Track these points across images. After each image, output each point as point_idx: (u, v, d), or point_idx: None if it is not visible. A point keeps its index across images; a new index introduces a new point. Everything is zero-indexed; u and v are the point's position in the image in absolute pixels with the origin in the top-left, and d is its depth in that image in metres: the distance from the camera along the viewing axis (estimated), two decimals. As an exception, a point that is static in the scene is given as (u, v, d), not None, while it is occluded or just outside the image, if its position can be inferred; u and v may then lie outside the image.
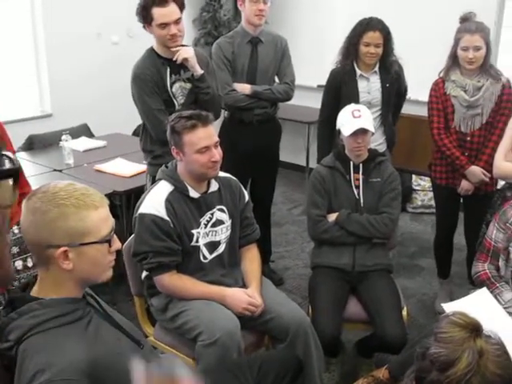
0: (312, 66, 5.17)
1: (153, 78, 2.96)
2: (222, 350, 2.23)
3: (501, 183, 3.27)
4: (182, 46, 2.96)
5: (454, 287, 3.70)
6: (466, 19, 3.17)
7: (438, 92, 3.23)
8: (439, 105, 3.23)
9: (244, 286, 2.52)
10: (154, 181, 2.70)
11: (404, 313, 2.75)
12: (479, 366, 1.13)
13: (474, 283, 2.65)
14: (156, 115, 2.96)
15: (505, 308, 2.30)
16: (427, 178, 4.96)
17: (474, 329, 1.18)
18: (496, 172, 2.95)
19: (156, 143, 3.02)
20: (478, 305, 2.27)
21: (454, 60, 3.16)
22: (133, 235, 2.47)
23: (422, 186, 5.10)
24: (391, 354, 2.65)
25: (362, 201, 2.89)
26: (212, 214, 2.48)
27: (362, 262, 2.83)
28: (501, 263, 2.52)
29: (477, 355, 1.13)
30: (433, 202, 4.96)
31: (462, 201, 3.46)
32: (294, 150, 5.71)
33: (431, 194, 5.01)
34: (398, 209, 2.95)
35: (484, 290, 2.36)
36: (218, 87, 3.22)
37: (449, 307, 2.25)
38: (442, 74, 3.24)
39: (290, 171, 5.84)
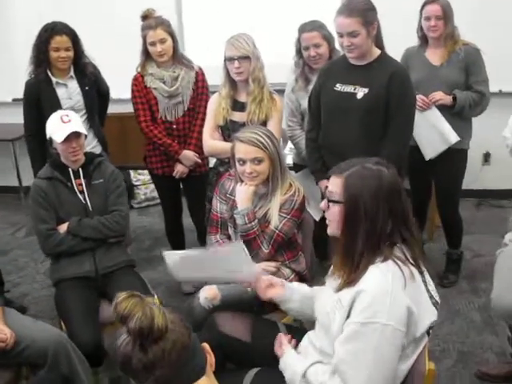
0: (3, 79, 4.90)
1: None
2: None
3: (212, 162, 3.56)
4: None
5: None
6: (146, 16, 3.33)
7: (139, 86, 3.36)
8: (142, 98, 3.36)
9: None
10: None
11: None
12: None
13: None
14: None
15: None
16: (146, 172, 5.11)
17: (136, 295, 1.23)
18: (207, 150, 3.21)
19: None
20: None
21: (147, 55, 3.31)
22: None
23: (142, 180, 5.23)
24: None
25: (89, 205, 2.86)
26: None
27: (104, 264, 2.82)
28: (230, 231, 2.77)
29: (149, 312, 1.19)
30: (155, 194, 5.16)
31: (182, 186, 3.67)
32: (1, 171, 5.34)
33: (152, 186, 5.17)
34: (127, 205, 3.00)
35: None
36: None
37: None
38: (139, 69, 3.37)
39: (3, 194, 5.46)
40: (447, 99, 3.36)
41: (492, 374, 2.80)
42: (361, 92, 2.80)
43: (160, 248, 4.40)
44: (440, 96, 3.36)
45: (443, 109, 3.39)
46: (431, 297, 1.81)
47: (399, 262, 1.74)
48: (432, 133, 3.39)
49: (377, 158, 1.88)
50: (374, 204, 1.73)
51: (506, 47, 4.50)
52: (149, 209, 5.20)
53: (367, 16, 2.69)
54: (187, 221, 3.86)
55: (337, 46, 3.08)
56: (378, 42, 2.84)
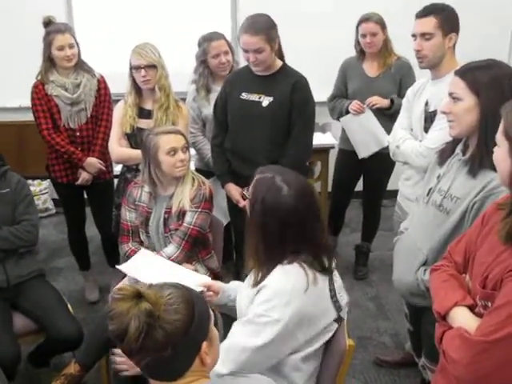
0: None
1: None
2: None
3: (117, 170, 3.57)
4: None
5: (97, 275, 3.92)
6: (48, 23, 3.28)
7: (40, 94, 3.30)
8: (43, 106, 3.31)
9: None
10: None
11: (70, 309, 2.84)
12: (155, 321, 1.27)
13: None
14: None
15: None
16: (36, 182, 4.97)
17: (134, 296, 1.29)
18: (116, 158, 3.24)
19: None
20: (143, 259, 2.63)
21: (49, 62, 3.26)
22: None
23: (34, 192, 5.03)
24: (71, 350, 2.75)
25: (-4, 216, 2.79)
26: None
27: (16, 274, 2.76)
28: (143, 237, 2.86)
29: (144, 317, 1.25)
30: (48, 205, 5.08)
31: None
32: None
33: (44, 197, 5.04)
34: (36, 213, 2.94)
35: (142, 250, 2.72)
36: None
37: (124, 267, 2.58)
38: (39, 77, 3.31)
39: None
40: (384, 102, 3.59)
41: (390, 361, 3.10)
42: (266, 100, 3.00)
43: (57, 259, 4.33)
44: (376, 100, 3.59)
45: (379, 115, 3.63)
46: (335, 301, 1.92)
47: (305, 265, 1.85)
48: (366, 134, 3.64)
49: (290, 176, 1.91)
50: (277, 226, 1.83)
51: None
52: (41, 220, 5.02)
53: (270, 33, 2.89)
54: (89, 230, 3.83)
55: (242, 59, 3.24)
56: (280, 55, 3.06)
